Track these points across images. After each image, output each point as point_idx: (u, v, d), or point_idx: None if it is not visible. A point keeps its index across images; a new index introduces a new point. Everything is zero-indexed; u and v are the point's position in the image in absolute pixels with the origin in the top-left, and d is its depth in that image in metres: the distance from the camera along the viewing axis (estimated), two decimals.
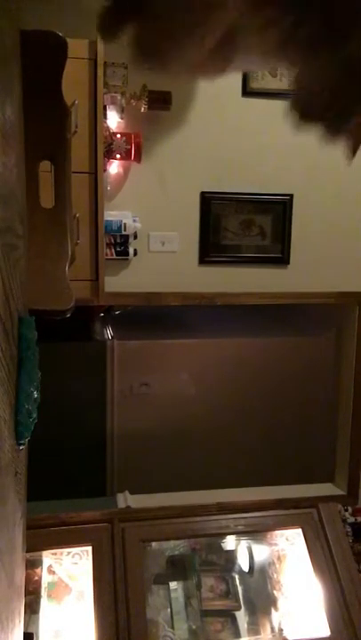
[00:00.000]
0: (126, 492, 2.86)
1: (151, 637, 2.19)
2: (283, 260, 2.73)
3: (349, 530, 2.80)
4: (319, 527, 2.43)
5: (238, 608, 2.43)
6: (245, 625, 2.40)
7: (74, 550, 2.28)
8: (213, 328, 3.53)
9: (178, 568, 2.49)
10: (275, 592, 2.43)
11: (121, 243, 2.52)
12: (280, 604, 2.38)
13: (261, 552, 2.54)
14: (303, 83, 0.63)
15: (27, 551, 0.84)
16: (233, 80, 2.51)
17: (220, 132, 2.57)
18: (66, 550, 2.28)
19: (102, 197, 2.37)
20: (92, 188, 2.35)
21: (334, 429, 3.18)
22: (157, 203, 2.59)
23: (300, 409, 3.56)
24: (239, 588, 2.48)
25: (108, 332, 3.59)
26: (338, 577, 2.30)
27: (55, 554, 2.28)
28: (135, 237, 2.54)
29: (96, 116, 2.29)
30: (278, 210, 2.67)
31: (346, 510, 2.85)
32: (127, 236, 2.51)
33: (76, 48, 2.23)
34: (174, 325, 3.49)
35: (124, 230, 2.49)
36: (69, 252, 1.14)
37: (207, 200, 2.62)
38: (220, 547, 2.59)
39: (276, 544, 2.50)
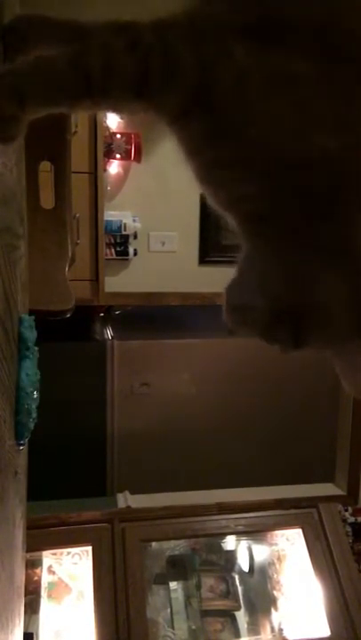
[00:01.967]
0: (126, 492, 2.86)
1: (151, 637, 2.19)
2: None
3: (349, 530, 2.79)
4: (319, 527, 2.43)
5: (238, 608, 2.42)
6: (245, 625, 2.40)
7: (74, 550, 2.28)
8: (213, 328, 3.52)
9: (178, 568, 2.48)
10: (275, 592, 2.43)
11: (121, 243, 2.52)
12: (280, 603, 2.38)
13: (261, 552, 2.54)
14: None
15: (27, 551, 0.84)
16: None
17: None
18: (66, 550, 2.28)
19: (102, 197, 2.37)
20: (92, 188, 2.35)
21: (334, 429, 3.18)
22: (157, 203, 2.58)
23: (300, 409, 3.55)
24: (239, 588, 2.48)
25: (108, 332, 3.58)
26: (338, 577, 2.30)
27: (55, 554, 2.28)
28: (135, 237, 2.54)
29: (96, 115, 2.29)
30: None
31: (346, 510, 2.85)
32: (127, 236, 2.51)
33: None
34: (174, 325, 3.49)
35: (124, 230, 2.49)
36: (69, 253, 1.14)
37: (207, 200, 2.61)
38: (220, 547, 2.59)
39: (276, 544, 2.50)
